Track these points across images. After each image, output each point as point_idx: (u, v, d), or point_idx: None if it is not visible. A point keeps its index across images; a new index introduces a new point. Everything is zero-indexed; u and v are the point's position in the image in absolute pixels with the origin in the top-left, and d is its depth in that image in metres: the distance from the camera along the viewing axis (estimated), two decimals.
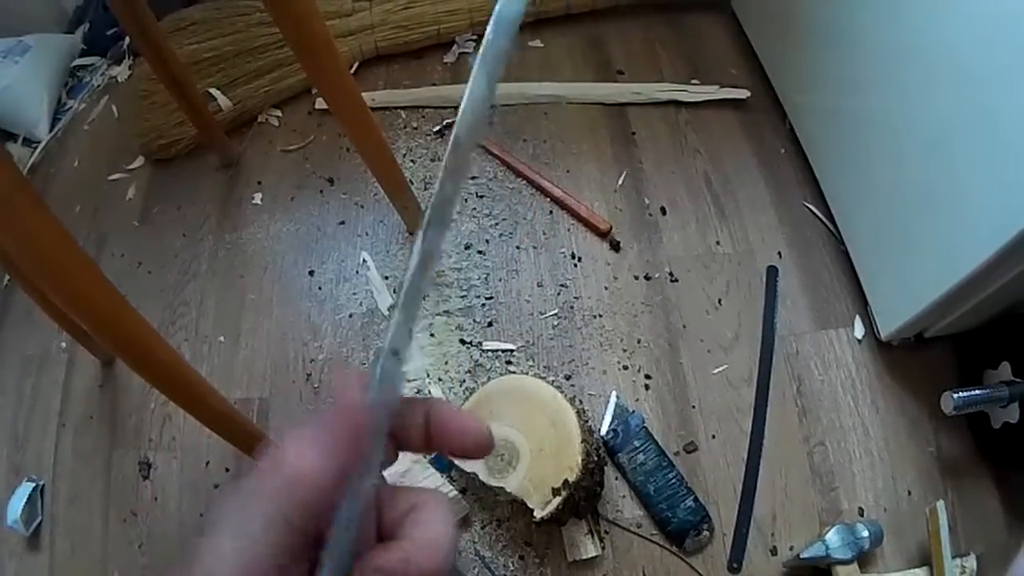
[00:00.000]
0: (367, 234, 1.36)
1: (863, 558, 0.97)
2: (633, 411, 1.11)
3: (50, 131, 1.66)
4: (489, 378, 1.15)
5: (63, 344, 1.32)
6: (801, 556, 0.96)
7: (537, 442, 0.94)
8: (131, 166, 1.54)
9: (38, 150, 1.62)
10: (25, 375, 1.31)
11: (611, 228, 1.28)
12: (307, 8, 0.86)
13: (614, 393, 1.13)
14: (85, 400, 1.26)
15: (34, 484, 1.16)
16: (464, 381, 1.17)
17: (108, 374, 1.28)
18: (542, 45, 1.58)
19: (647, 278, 1.25)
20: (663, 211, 1.32)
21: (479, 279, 1.27)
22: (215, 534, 0.25)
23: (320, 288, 1.30)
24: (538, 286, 1.25)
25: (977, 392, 0.97)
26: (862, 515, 1.03)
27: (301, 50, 0.92)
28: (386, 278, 1.29)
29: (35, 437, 1.24)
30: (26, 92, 1.63)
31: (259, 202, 1.44)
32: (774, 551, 1.01)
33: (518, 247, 1.30)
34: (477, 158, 1.42)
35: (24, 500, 1.13)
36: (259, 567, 0.24)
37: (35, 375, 1.30)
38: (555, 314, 1.22)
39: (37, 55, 1.66)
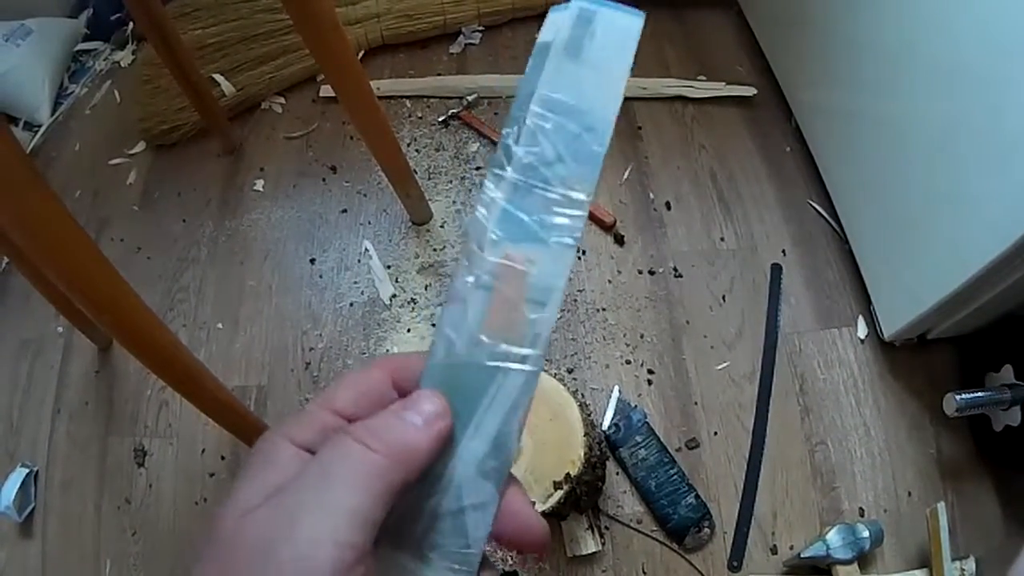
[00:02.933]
0: (369, 223, 1.35)
1: (863, 558, 0.96)
2: (635, 406, 1.10)
3: (52, 115, 1.65)
4: None
5: (60, 329, 1.31)
6: (801, 555, 0.96)
7: (539, 435, 0.93)
8: (132, 151, 1.53)
9: (39, 134, 1.61)
10: (21, 359, 1.30)
11: (616, 222, 1.28)
12: None
13: (616, 387, 1.12)
14: (81, 386, 1.25)
15: (28, 470, 1.15)
16: None
17: (105, 360, 1.27)
18: None
19: (651, 273, 1.24)
20: (668, 206, 1.31)
21: None
22: (300, 511, 0.23)
23: (321, 276, 1.30)
24: None
25: (979, 394, 0.97)
26: (862, 515, 1.03)
27: (309, 34, 0.91)
28: (388, 267, 1.28)
29: (30, 422, 1.23)
30: (28, 76, 1.62)
31: (261, 189, 1.43)
32: (774, 550, 1.01)
33: None
34: (482, 150, 1.42)
35: (17, 486, 1.12)
36: (362, 545, 0.23)
37: (31, 360, 1.29)
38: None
39: (39, 39, 1.65)
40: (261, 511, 0.23)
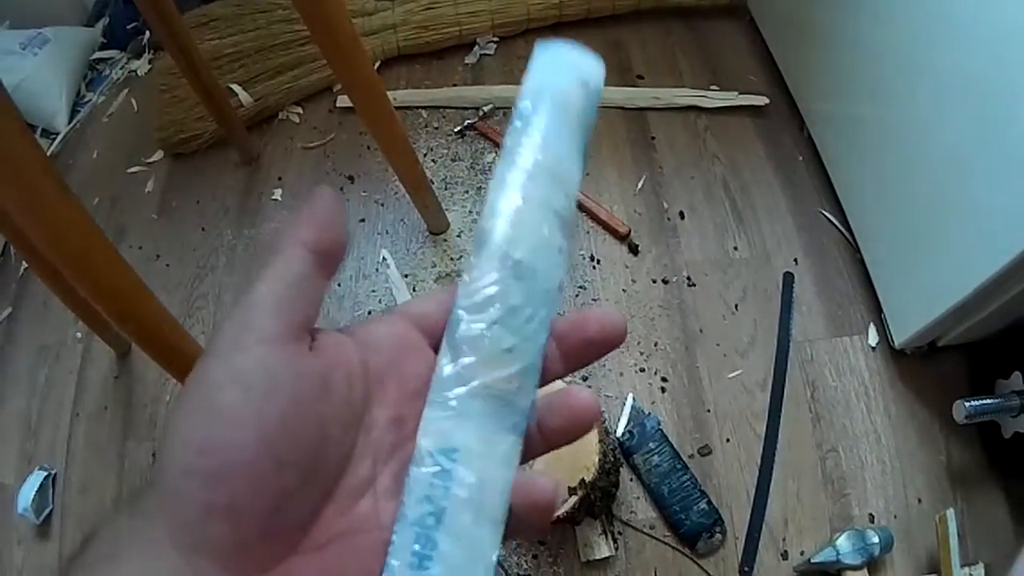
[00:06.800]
0: (387, 232, 1.37)
1: (873, 564, 0.97)
2: (649, 413, 1.12)
3: (69, 123, 1.66)
4: None
5: (78, 335, 1.32)
6: (812, 561, 0.97)
7: None
8: (150, 159, 1.55)
9: (57, 141, 1.63)
10: (40, 364, 1.31)
11: (630, 231, 1.29)
12: (334, 4, 0.87)
13: (630, 395, 1.14)
14: (99, 391, 1.26)
15: (46, 473, 1.16)
16: None
17: (123, 365, 1.28)
18: None
19: (665, 282, 1.25)
20: (682, 216, 1.33)
21: None
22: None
23: (339, 285, 1.31)
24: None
25: (988, 401, 0.98)
26: (872, 521, 1.04)
27: (327, 46, 0.92)
28: (405, 276, 1.30)
29: (48, 426, 1.24)
30: (45, 84, 1.64)
31: (279, 198, 1.44)
32: (785, 555, 1.02)
33: None
34: (498, 160, 1.43)
35: (35, 489, 1.13)
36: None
37: (50, 365, 1.30)
38: None
39: (56, 47, 1.67)
40: None
